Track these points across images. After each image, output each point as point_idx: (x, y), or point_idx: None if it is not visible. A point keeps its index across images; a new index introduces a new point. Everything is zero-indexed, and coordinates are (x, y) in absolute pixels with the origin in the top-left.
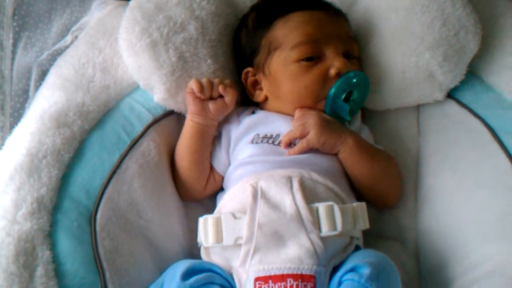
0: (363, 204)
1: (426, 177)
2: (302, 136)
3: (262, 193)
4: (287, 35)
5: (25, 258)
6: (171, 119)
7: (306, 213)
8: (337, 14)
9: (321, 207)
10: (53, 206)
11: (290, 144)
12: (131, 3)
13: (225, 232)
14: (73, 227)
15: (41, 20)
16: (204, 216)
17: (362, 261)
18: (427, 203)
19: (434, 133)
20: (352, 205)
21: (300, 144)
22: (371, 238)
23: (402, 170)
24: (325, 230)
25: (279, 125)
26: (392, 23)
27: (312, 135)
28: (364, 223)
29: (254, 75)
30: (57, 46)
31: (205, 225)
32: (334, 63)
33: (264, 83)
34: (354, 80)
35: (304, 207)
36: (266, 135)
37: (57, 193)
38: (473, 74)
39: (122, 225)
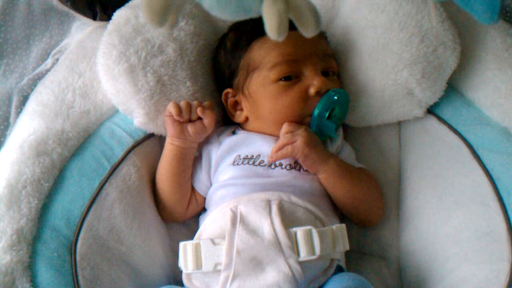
0: (343, 226)
1: (408, 194)
2: (290, 143)
3: (241, 218)
4: (265, 56)
5: None
6: (153, 141)
7: (284, 238)
8: None
9: (299, 231)
10: (33, 237)
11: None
12: (109, 27)
13: (204, 259)
14: (53, 258)
15: (20, 46)
16: (184, 242)
17: (341, 286)
18: (409, 221)
19: (415, 150)
20: (331, 227)
21: (285, 150)
22: (354, 255)
23: (384, 187)
24: (303, 254)
25: (260, 146)
26: (370, 40)
27: (299, 143)
28: (344, 245)
29: (234, 96)
30: (37, 70)
31: (185, 251)
32: (313, 82)
33: (244, 104)
34: (335, 98)
35: (282, 232)
36: (247, 155)
37: (37, 224)
38: (453, 88)
39: (103, 252)
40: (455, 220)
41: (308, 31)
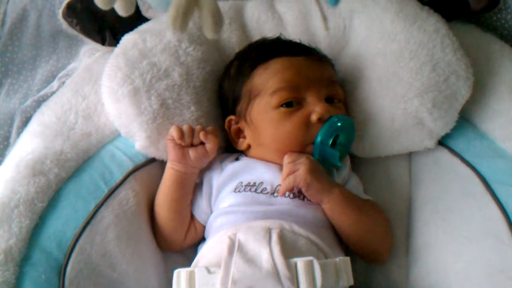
0: (347, 259)
1: (418, 228)
2: (292, 173)
3: (239, 246)
4: (267, 82)
5: None
6: (154, 166)
7: (283, 268)
8: (319, 59)
9: (300, 262)
10: (21, 258)
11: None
12: (116, 50)
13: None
14: (40, 280)
15: (25, 66)
16: (178, 270)
17: None
18: (419, 256)
19: (426, 182)
20: (334, 260)
21: (287, 180)
22: None
23: (393, 220)
24: (304, 287)
25: (262, 173)
26: (380, 69)
27: (300, 172)
28: (348, 280)
29: (237, 123)
30: (42, 92)
31: (178, 279)
32: (315, 109)
33: (246, 131)
34: (339, 124)
35: (282, 262)
36: (249, 183)
37: (27, 244)
38: (466, 120)
39: (93, 278)
40: (467, 256)
41: (206, 33)
